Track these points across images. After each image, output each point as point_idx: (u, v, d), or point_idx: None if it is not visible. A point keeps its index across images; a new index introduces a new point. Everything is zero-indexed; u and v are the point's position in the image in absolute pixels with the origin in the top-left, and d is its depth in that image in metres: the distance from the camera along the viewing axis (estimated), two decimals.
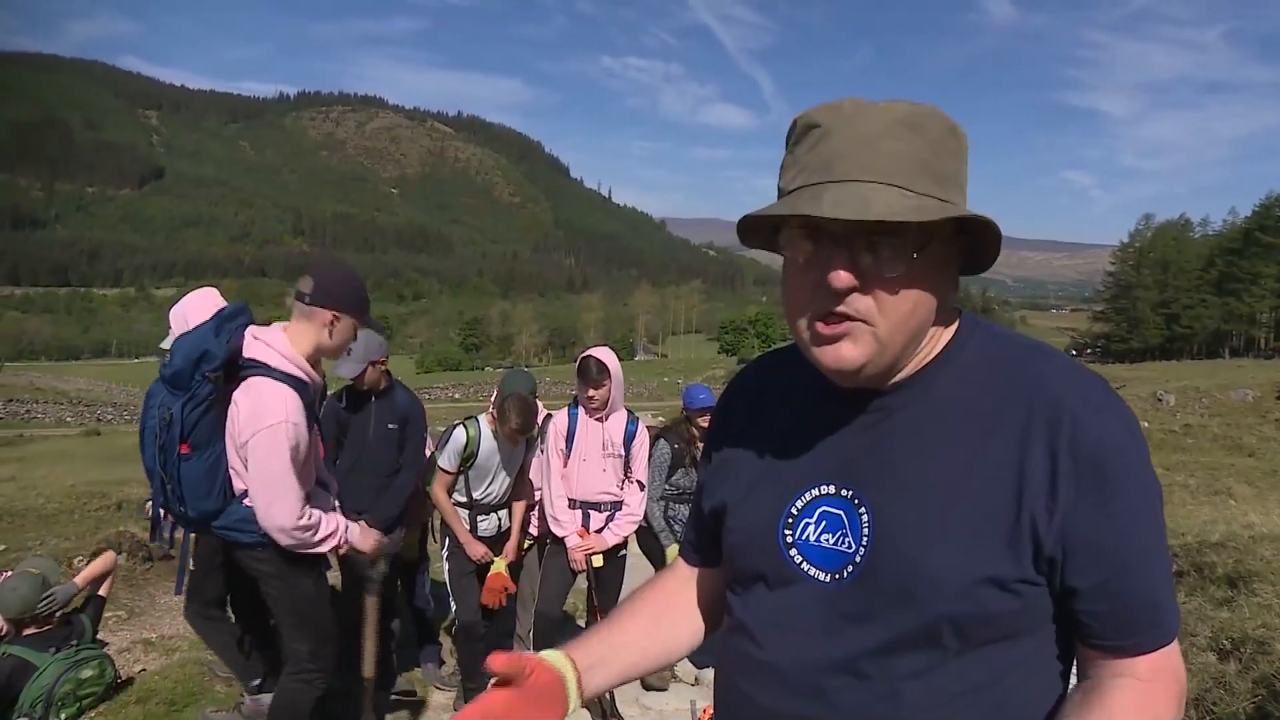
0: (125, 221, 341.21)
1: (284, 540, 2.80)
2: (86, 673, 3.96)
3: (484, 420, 4.31)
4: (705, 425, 4.76)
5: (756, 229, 1.00)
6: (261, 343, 2.77)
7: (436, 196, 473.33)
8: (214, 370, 2.70)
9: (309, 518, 2.81)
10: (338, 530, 2.93)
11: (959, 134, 0.96)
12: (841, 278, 0.92)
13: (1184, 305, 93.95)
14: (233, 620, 3.98)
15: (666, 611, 1.26)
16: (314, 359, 2.88)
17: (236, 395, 2.74)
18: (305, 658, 3.08)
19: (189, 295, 3.72)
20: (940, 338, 1.03)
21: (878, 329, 0.94)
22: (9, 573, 4.39)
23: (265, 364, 2.73)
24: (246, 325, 2.81)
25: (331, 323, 2.85)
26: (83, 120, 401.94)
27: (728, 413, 1.23)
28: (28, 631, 4.05)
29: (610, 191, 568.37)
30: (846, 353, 0.95)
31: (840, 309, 0.94)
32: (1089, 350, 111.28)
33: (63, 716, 3.83)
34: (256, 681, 3.89)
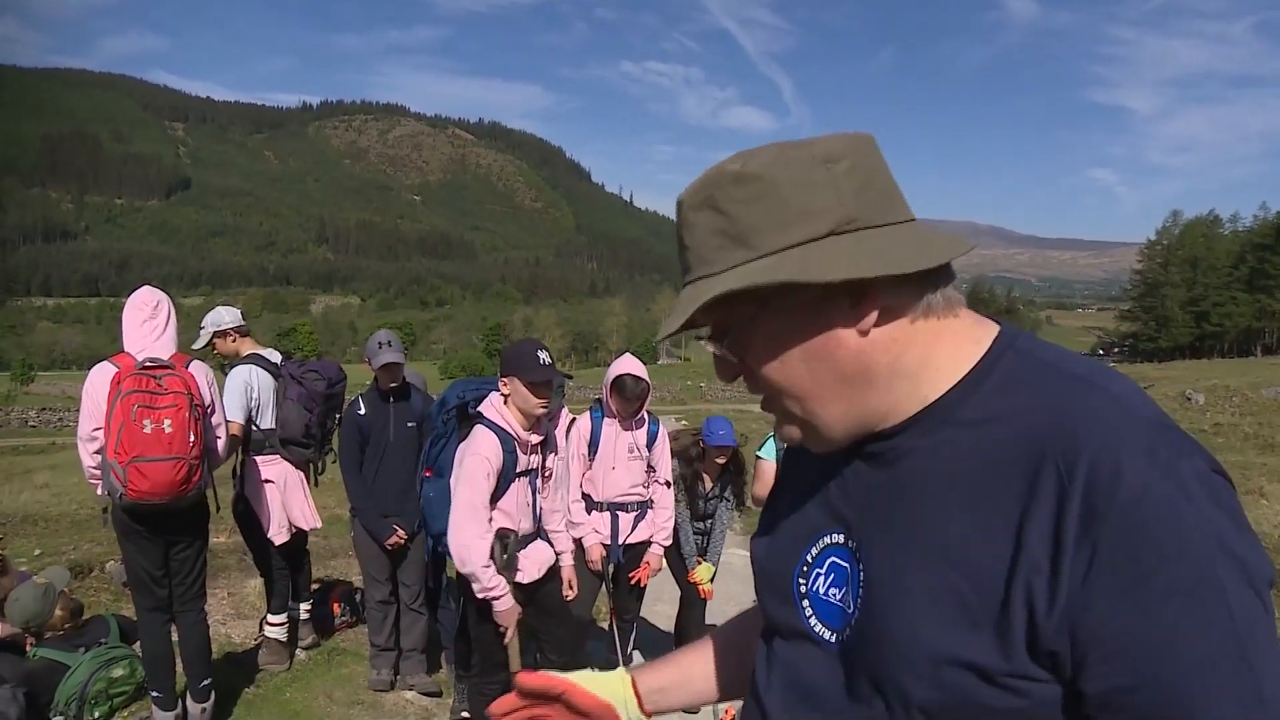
0: (153, 232, 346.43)
1: (456, 557, 3.37)
2: (117, 672, 4.04)
3: None
4: (721, 462, 4.76)
5: None
6: (488, 403, 3.50)
7: (459, 203, 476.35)
8: (447, 411, 3.67)
9: (477, 551, 3.33)
10: (495, 588, 3.39)
11: (747, 177, 0.82)
12: (724, 374, 0.90)
13: (1214, 303, 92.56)
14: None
15: (751, 646, 1.14)
16: (520, 419, 3.45)
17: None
18: (474, 668, 3.79)
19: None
20: (958, 361, 0.85)
21: (786, 404, 0.87)
22: (32, 576, 4.51)
23: (483, 414, 3.47)
24: (488, 391, 3.57)
25: (504, 387, 3.45)
26: (111, 133, 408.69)
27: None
28: (49, 636, 4.16)
29: (632, 196, 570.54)
30: (786, 431, 0.90)
31: (754, 393, 0.90)
32: (1116, 350, 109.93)
33: (96, 715, 3.91)
34: None
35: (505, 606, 3.43)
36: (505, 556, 3.43)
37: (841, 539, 0.91)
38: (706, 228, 0.83)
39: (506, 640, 3.51)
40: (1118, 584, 0.68)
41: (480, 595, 3.40)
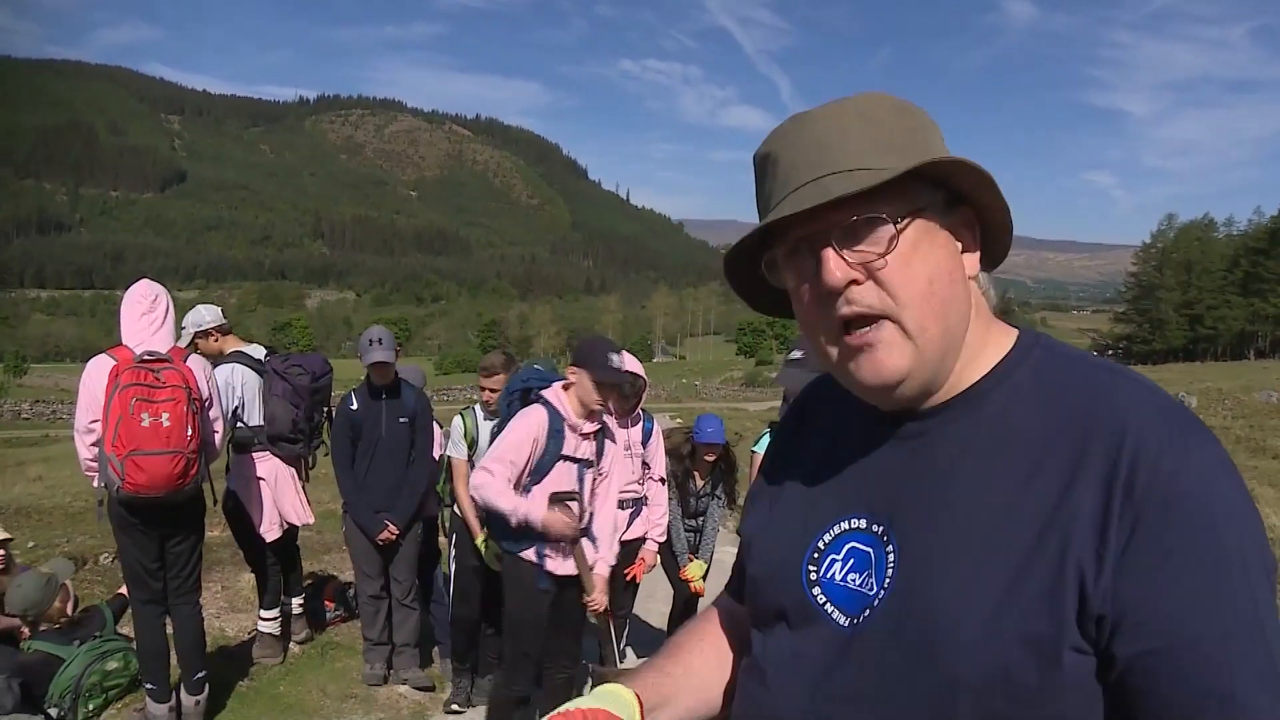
0: (148, 225, 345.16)
1: (476, 495, 3.43)
2: (112, 664, 4.06)
3: (478, 409, 4.60)
4: (711, 460, 4.81)
5: (760, 289, 0.96)
6: (552, 387, 3.60)
7: (455, 199, 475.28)
8: (511, 393, 3.77)
9: (493, 488, 3.37)
10: (519, 507, 3.39)
11: (912, 109, 0.89)
12: (835, 274, 0.83)
13: (1208, 306, 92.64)
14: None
15: (731, 650, 1.14)
16: (577, 407, 3.50)
17: None
18: (506, 661, 3.70)
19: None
20: (991, 353, 0.91)
21: (904, 321, 0.84)
22: (29, 569, 4.52)
23: (544, 396, 3.55)
24: (552, 381, 3.66)
25: (570, 375, 3.56)
26: (107, 125, 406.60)
27: (782, 432, 1.14)
28: (44, 627, 4.16)
29: (628, 193, 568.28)
30: (884, 360, 0.85)
31: (851, 310, 0.84)
32: (1110, 352, 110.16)
33: (90, 707, 3.93)
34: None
35: (541, 514, 3.37)
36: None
37: (863, 524, 0.91)
38: (861, 133, 0.85)
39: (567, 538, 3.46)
40: (1153, 555, 0.73)
41: (515, 523, 3.37)
